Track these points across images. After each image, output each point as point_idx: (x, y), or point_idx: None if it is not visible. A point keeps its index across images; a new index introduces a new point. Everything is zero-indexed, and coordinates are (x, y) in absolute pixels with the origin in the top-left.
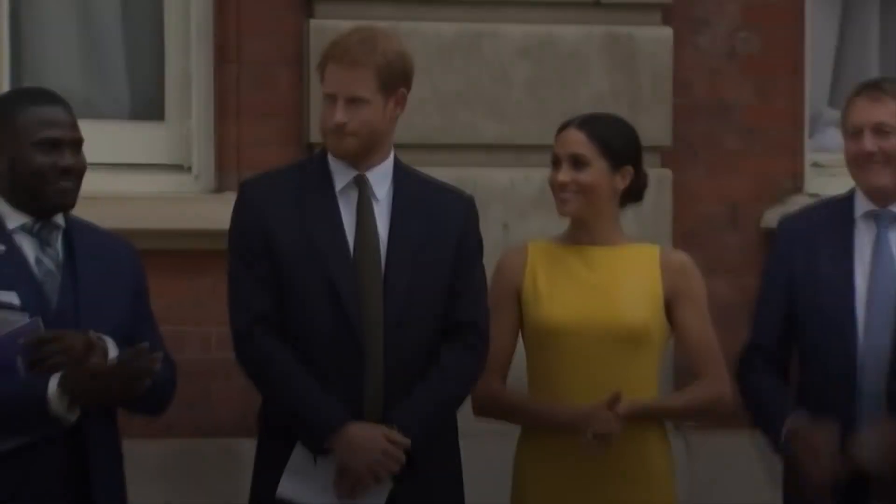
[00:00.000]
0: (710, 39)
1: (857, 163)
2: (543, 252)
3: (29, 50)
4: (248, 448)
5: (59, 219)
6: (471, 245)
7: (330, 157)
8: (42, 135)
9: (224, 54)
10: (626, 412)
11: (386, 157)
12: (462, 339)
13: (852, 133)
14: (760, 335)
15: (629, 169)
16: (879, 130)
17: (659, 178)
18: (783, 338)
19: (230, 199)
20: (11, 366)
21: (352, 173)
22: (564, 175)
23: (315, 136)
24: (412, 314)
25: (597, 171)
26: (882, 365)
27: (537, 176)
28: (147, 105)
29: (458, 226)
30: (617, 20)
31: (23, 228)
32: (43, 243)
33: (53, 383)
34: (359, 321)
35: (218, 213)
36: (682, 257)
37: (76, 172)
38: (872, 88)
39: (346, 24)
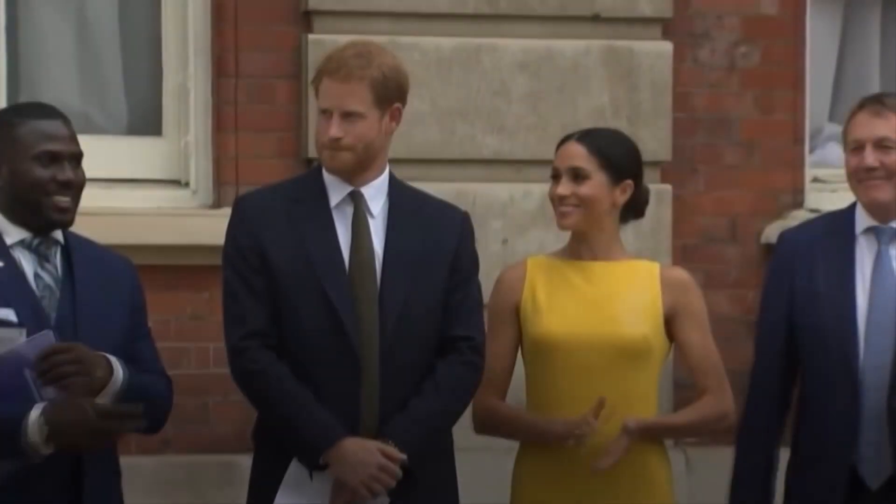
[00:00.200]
0: (709, 53)
1: (858, 177)
2: (542, 267)
3: (26, 65)
4: (246, 463)
5: (58, 234)
6: (466, 260)
7: (325, 173)
8: (41, 148)
9: (222, 69)
10: (635, 433)
11: (381, 172)
12: (458, 354)
13: (853, 147)
14: (762, 353)
15: (629, 183)
16: (881, 145)
17: (658, 192)
18: (785, 353)
19: (228, 214)
20: (20, 379)
21: (347, 189)
22: (564, 188)
23: (313, 151)
24: (408, 329)
25: (596, 184)
26: (882, 381)
27: (537, 190)
28: (144, 120)
29: (454, 241)
30: (616, 34)
31: (22, 244)
32: (42, 259)
33: (36, 412)
34: (354, 336)
35: (215, 228)
36: (681, 274)
37: (75, 186)
38: (874, 103)
39: (344, 39)
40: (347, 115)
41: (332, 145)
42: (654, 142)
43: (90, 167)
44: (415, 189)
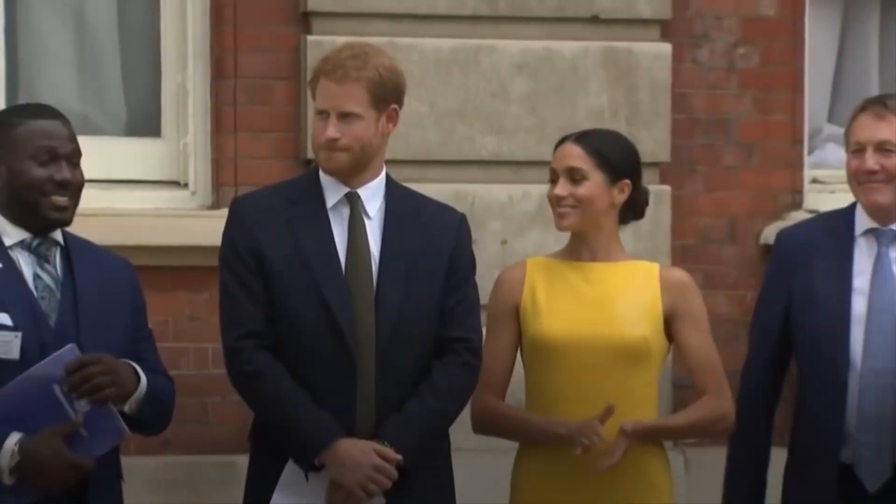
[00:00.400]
0: (708, 54)
1: (859, 180)
2: (542, 267)
3: (25, 66)
4: (245, 463)
5: (58, 235)
6: (463, 261)
7: (321, 174)
8: (39, 147)
9: (221, 70)
10: (634, 435)
11: (378, 173)
12: (455, 355)
13: (855, 150)
14: (755, 354)
15: (627, 182)
16: (882, 149)
17: (657, 193)
18: (777, 353)
19: (227, 214)
20: (49, 397)
21: (343, 190)
22: (561, 189)
23: (312, 152)
24: (404, 331)
25: (593, 184)
26: (883, 384)
27: (535, 191)
28: (143, 121)
29: (451, 242)
30: (615, 35)
31: (21, 245)
32: (41, 260)
33: (13, 440)
34: (350, 337)
35: (214, 228)
36: (681, 275)
37: (73, 186)
38: (877, 105)
39: (342, 40)
40: (344, 116)
41: (329, 146)
42: (652, 143)
43: (89, 168)
44: (412, 190)
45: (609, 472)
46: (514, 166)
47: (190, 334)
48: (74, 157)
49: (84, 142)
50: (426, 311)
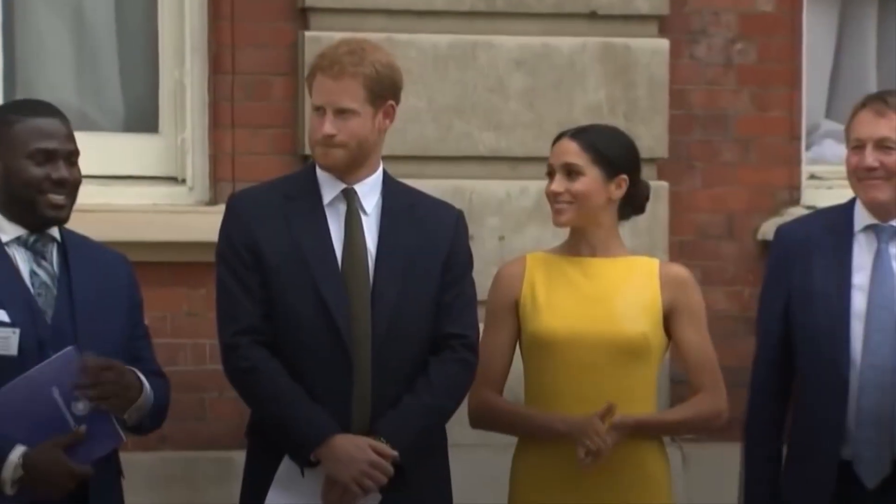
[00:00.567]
0: (706, 50)
1: (858, 176)
2: (542, 263)
3: (22, 62)
4: (242, 460)
5: (54, 231)
6: (460, 258)
7: (318, 170)
8: (36, 146)
9: (218, 65)
10: (623, 428)
11: (374, 169)
12: (451, 351)
13: (854, 146)
14: (761, 354)
15: (624, 178)
16: (881, 146)
17: (655, 189)
18: (783, 353)
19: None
20: (47, 400)
21: (340, 186)
22: (558, 185)
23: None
24: (400, 327)
25: (590, 180)
26: (882, 380)
27: (533, 187)
28: (141, 117)
29: (448, 239)
30: (613, 31)
31: (18, 241)
32: (38, 256)
33: (17, 453)
34: (347, 333)
35: (212, 224)
36: (681, 271)
37: (70, 184)
38: (877, 101)
39: (340, 36)
40: (340, 112)
41: (326, 142)
42: (650, 138)
43: (87, 164)
44: (409, 187)
45: (608, 467)
46: (512, 162)
47: (187, 330)
48: (72, 155)
49: (82, 138)
50: (423, 307)
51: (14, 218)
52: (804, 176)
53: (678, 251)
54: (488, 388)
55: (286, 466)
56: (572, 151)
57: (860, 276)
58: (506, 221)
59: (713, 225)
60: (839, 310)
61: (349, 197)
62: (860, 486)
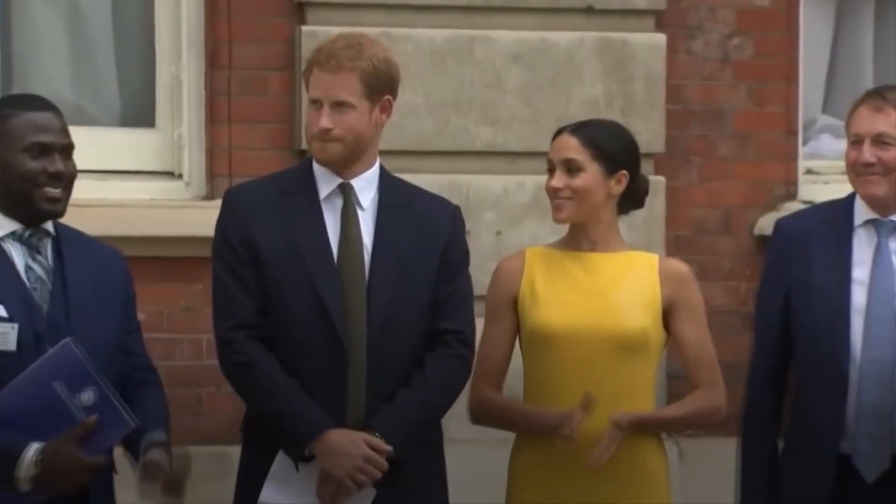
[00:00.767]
0: (703, 45)
1: (856, 171)
2: (541, 258)
3: (19, 57)
4: (239, 455)
5: (49, 226)
6: (456, 254)
7: (315, 165)
8: (32, 139)
9: (215, 60)
10: (623, 424)
11: (371, 164)
12: (447, 347)
13: (853, 141)
14: (760, 346)
15: (624, 173)
16: (879, 141)
17: (652, 184)
18: (781, 345)
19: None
20: (51, 395)
21: (336, 181)
22: (558, 181)
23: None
24: (396, 322)
25: (590, 175)
26: (884, 376)
27: (530, 182)
28: (137, 111)
29: (444, 234)
30: (610, 26)
31: (13, 236)
32: (33, 251)
33: (32, 450)
34: (342, 329)
35: (209, 219)
36: (681, 266)
37: (66, 178)
38: (876, 97)
39: (337, 31)
40: (337, 106)
41: (322, 136)
42: (647, 133)
43: (83, 159)
44: (405, 182)
45: (607, 464)
46: (509, 157)
47: (184, 325)
48: (67, 149)
49: (78, 132)
50: (418, 302)
51: (9, 212)
52: (801, 171)
53: (675, 246)
54: (487, 383)
55: (281, 461)
56: (573, 147)
57: (860, 271)
58: (503, 216)
59: (710, 220)
60: (839, 305)
61: (346, 192)
62: (859, 480)
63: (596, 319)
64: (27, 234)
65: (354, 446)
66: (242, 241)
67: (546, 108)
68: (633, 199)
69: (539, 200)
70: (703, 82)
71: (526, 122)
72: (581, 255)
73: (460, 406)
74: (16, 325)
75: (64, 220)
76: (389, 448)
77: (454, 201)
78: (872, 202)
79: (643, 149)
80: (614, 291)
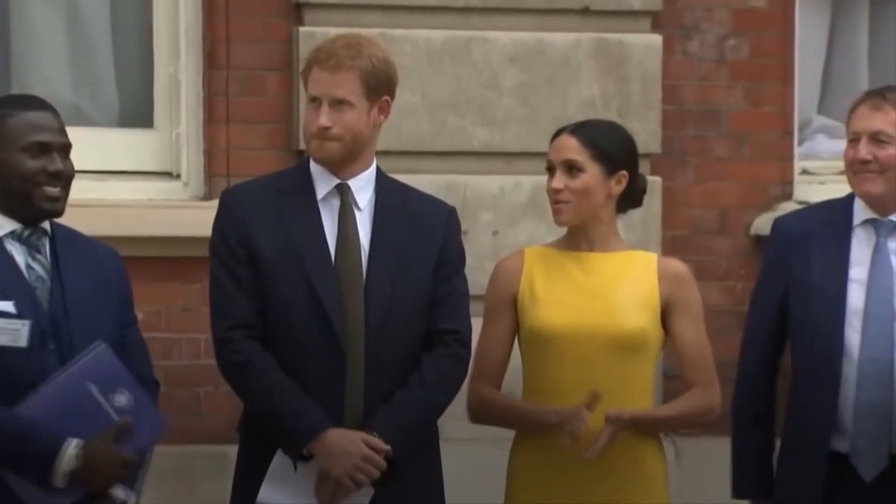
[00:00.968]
0: (699, 46)
1: (854, 169)
2: (540, 257)
3: (17, 57)
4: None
5: (46, 225)
6: (452, 254)
7: (312, 165)
8: (31, 139)
9: (213, 61)
10: (619, 422)
11: (368, 165)
12: (444, 347)
13: (851, 139)
14: (752, 340)
15: (624, 174)
16: (876, 139)
17: (649, 184)
18: (775, 342)
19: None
20: (87, 397)
21: (334, 181)
22: (558, 182)
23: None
24: (393, 322)
25: (591, 176)
26: (882, 375)
27: (527, 182)
28: (136, 112)
29: (440, 235)
30: (606, 27)
31: (12, 235)
32: (32, 250)
33: (72, 444)
34: (340, 329)
35: (207, 219)
36: (679, 267)
37: (65, 177)
38: (876, 97)
39: (335, 31)
40: (336, 104)
41: (321, 134)
42: (643, 134)
43: (82, 159)
44: (401, 183)
45: (605, 462)
46: (507, 157)
47: (182, 325)
48: (65, 148)
49: (77, 133)
50: (415, 303)
51: (8, 212)
52: (796, 171)
53: (671, 246)
54: (486, 382)
55: (279, 461)
56: (573, 148)
57: (858, 271)
58: (500, 216)
59: (706, 220)
60: (835, 304)
61: (343, 192)
62: (858, 478)
63: (595, 319)
64: (26, 233)
65: (353, 446)
66: (240, 241)
67: (543, 109)
68: (631, 198)
69: (536, 200)
70: (700, 83)
71: (523, 122)
72: (580, 255)
73: (458, 405)
74: (27, 322)
75: (62, 220)
76: (388, 447)
77: (451, 201)
78: (869, 200)
79: (640, 149)
80: (613, 291)
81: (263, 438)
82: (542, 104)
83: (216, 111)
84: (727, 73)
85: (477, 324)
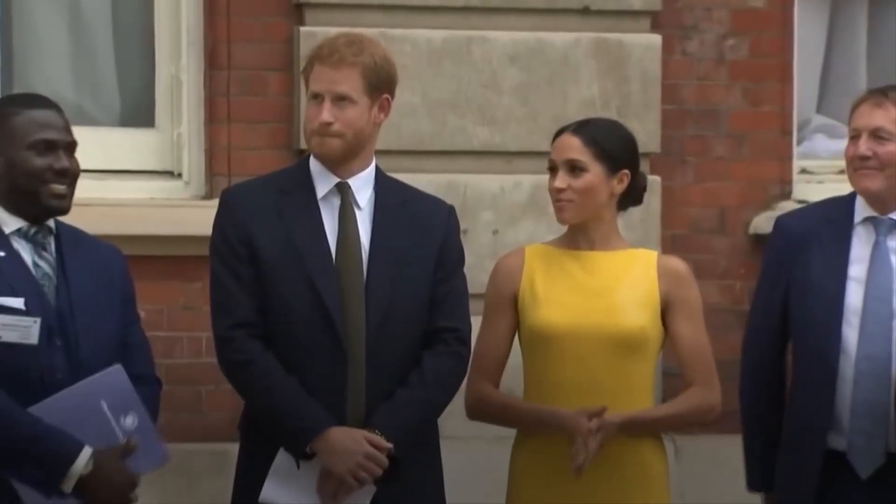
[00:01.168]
0: (698, 46)
1: (854, 166)
2: (541, 256)
3: (19, 56)
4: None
5: (51, 224)
6: (452, 253)
7: (312, 164)
8: (37, 137)
9: (214, 60)
10: (609, 428)
11: (368, 164)
12: (444, 345)
13: (852, 136)
14: (755, 337)
15: (626, 172)
16: (876, 135)
17: (648, 183)
18: (779, 338)
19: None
20: (98, 412)
21: (334, 180)
22: (561, 181)
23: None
24: (393, 320)
25: (593, 175)
26: (879, 371)
27: (527, 182)
28: (137, 111)
29: (440, 234)
30: (606, 27)
31: (18, 233)
32: (39, 248)
33: (88, 452)
34: (341, 327)
35: (208, 218)
36: (679, 264)
37: (71, 174)
38: (878, 95)
39: (335, 31)
40: (339, 100)
41: (322, 131)
42: (643, 133)
43: (84, 158)
44: (401, 182)
45: (606, 463)
46: (506, 156)
47: (184, 323)
48: (71, 146)
49: (79, 132)
50: (416, 301)
51: (15, 210)
52: (795, 170)
53: (671, 245)
54: (485, 379)
55: (282, 459)
56: (575, 147)
57: (858, 268)
58: (500, 215)
59: (705, 219)
60: (834, 302)
61: (343, 191)
62: (854, 476)
63: (595, 318)
64: (32, 231)
65: (356, 444)
66: (241, 240)
67: (543, 109)
68: (633, 196)
69: (536, 200)
70: (699, 82)
71: (523, 121)
72: (581, 253)
73: (458, 403)
74: (38, 320)
75: (64, 219)
76: (390, 445)
77: (451, 201)
78: (868, 197)
79: (639, 148)
80: (614, 290)
81: (264, 436)
82: (542, 104)
83: (217, 111)
84: (726, 73)
85: (476, 322)
